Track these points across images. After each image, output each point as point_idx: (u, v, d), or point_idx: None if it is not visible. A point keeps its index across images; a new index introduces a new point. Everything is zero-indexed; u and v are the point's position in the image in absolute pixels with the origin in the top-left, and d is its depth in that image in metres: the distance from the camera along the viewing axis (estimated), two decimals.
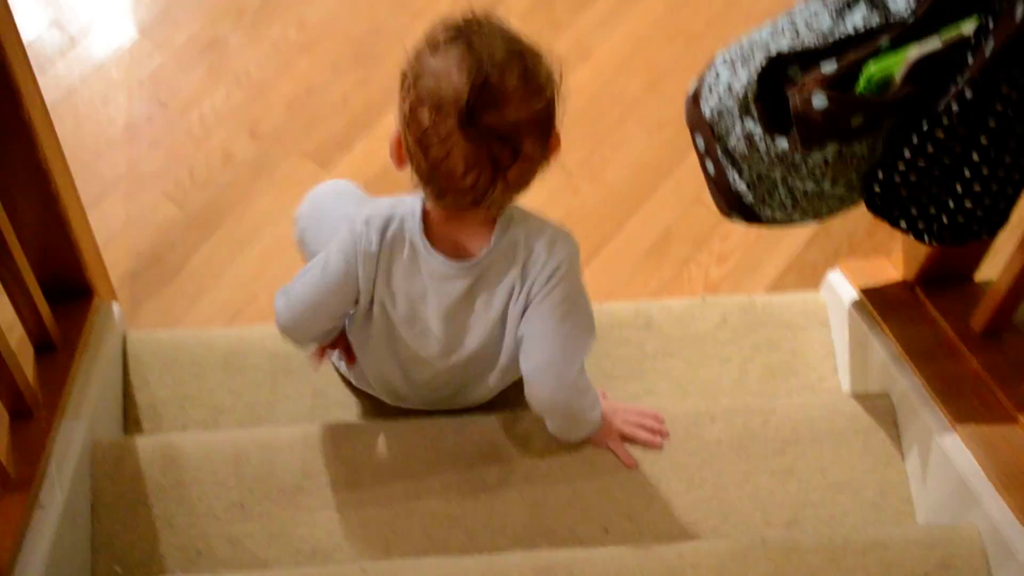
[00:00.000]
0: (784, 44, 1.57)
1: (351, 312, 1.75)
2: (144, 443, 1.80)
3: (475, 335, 1.71)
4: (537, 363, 1.66)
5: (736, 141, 1.63)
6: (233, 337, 2.05)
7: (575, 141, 2.47)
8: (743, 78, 1.59)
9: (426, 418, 1.86)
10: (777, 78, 1.56)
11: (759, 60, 1.56)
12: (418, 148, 1.48)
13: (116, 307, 2.01)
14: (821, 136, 1.51)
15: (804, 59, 1.55)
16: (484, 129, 1.45)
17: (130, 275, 2.31)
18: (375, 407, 1.95)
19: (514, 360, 1.71)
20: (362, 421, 1.90)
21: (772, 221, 1.70)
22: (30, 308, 1.75)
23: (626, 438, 1.81)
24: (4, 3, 1.54)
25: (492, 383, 1.81)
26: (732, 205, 1.72)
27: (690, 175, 2.41)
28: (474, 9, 1.51)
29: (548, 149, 1.57)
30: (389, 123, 2.47)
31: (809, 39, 1.56)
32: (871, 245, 2.36)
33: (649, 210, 2.40)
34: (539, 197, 2.37)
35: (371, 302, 1.71)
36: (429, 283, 1.66)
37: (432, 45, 1.46)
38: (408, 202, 1.64)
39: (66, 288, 1.92)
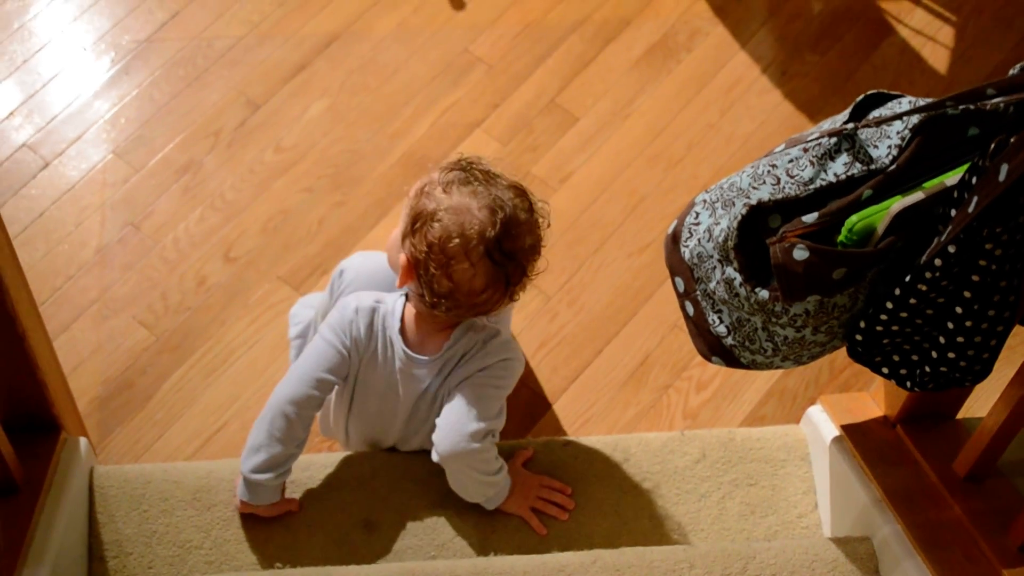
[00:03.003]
0: (765, 193, 1.55)
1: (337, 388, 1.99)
2: None
3: (432, 416, 1.97)
4: (442, 422, 1.92)
5: (716, 285, 1.61)
6: (202, 472, 2.01)
7: (553, 265, 2.45)
8: (723, 224, 1.57)
9: (409, 562, 1.84)
10: (758, 227, 1.54)
11: (739, 208, 1.54)
12: (442, 273, 1.79)
13: (83, 442, 1.97)
14: (803, 289, 1.49)
15: (785, 209, 1.53)
16: (507, 254, 1.81)
17: (99, 401, 2.27)
18: (345, 546, 1.92)
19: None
20: (334, 568, 1.86)
21: (753, 365, 1.68)
22: None
23: (537, 510, 2.01)
24: None
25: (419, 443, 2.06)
26: (712, 348, 1.69)
27: (669, 300, 2.38)
28: (463, 154, 1.88)
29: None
30: (366, 246, 2.45)
31: (790, 188, 1.54)
32: (851, 372, 2.33)
33: (628, 335, 2.38)
34: (518, 321, 2.37)
35: (355, 380, 1.97)
36: (400, 374, 1.94)
37: (443, 186, 1.81)
38: (389, 300, 1.95)
39: (31, 424, 1.88)
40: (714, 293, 1.62)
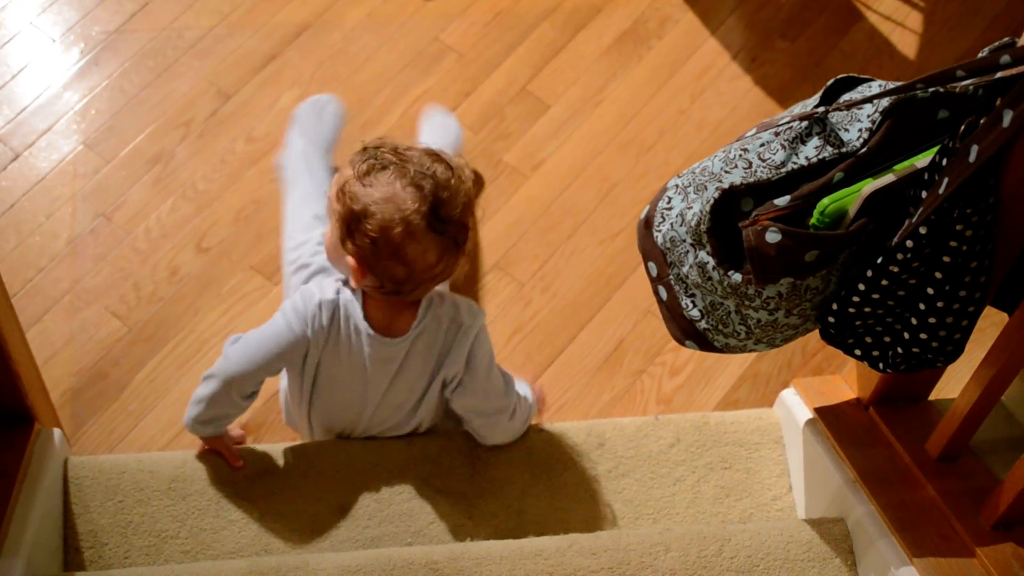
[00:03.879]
0: (737, 177, 1.56)
1: (293, 371, 1.99)
2: None
3: (407, 399, 2.01)
4: (480, 422, 2.01)
5: (689, 269, 1.61)
6: (177, 461, 2.00)
7: (526, 253, 2.45)
8: (696, 208, 1.58)
9: (386, 549, 1.84)
10: (730, 211, 1.55)
11: (712, 192, 1.55)
12: (395, 261, 1.82)
13: (57, 433, 1.96)
14: (776, 271, 1.50)
15: (757, 192, 1.54)
16: (447, 220, 1.82)
17: (72, 393, 2.26)
18: (321, 533, 1.92)
19: (436, 414, 2.07)
20: (309, 555, 1.85)
21: (726, 349, 1.68)
22: None
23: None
24: None
25: (419, 428, 2.09)
26: (685, 332, 1.70)
27: (642, 286, 2.40)
28: (364, 140, 1.89)
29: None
30: None
31: (762, 172, 1.55)
32: (824, 356, 2.35)
33: (601, 321, 2.39)
34: (491, 309, 2.37)
35: (315, 372, 1.97)
36: (370, 360, 1.95)
37: (361, 179, 1.82)
38: (347, 290, 1.94)
39: (5, 415, 1.87)
40: (687, 277, 1.63)
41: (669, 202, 1.67)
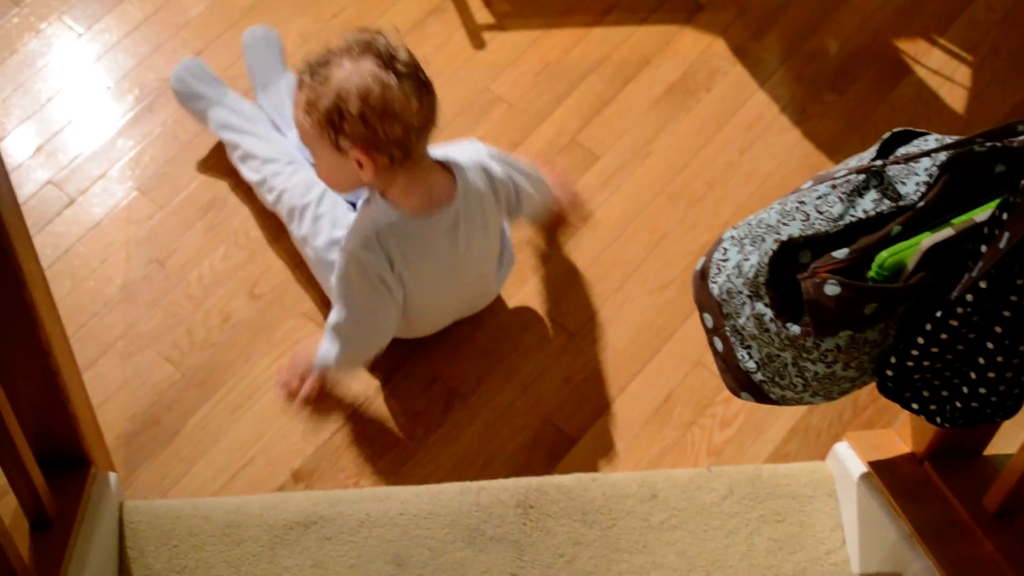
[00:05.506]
0: (795, 229, 1.56)
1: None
2: None
3: (482, 248, 2.23)
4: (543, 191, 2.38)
5: (745, 321, 1.62)
6: (231, 507, 2.02)
7: (576, 303, 2.46)
8: (753, 260, 1.58)
9: None
10: (788, 263, 1.55)
11: (769, 244, 1.56)
12: (389, 122, 1.95)
13: (113, 477, 1.98)
14: (834, 324, 1.50)
15: (815, 244, 1.55)
16: (406, 63, 1.98)
17: (126, 438, 2.28)
18: None
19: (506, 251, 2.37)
20: None
21: (783, 401, 1.68)
22: (26, 483, 1.72)
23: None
24: (12, 200, 1.53)
25: (496, 278, 2.38)
26: (741, 383, 1.70)
27: (692, 337, 2.40)
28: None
29: None
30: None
31: (820, 224, 1.55)
32: (875, 409, 2.34)
33: (652, 373, 2.39)
34: (541, 359, 2.38)
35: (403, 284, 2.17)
36: (437, 242, 2.13)
37: (319, 84, 1.97)
38: (373, 214, 2.10)
39: (62, 459, 1.89)
40: (744, 328, 1.63)
41: (725, 253, 1.67)
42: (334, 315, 2.19)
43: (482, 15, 2.86)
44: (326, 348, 2.21)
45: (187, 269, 2.49)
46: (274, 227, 2.54)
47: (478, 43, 2.84)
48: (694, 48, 2.85)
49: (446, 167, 2.14)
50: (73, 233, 2.53)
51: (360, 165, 2.01)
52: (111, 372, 2.36)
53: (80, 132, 2.68)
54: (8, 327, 1.66)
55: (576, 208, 2.53)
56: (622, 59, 2.83)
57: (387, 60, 1.97)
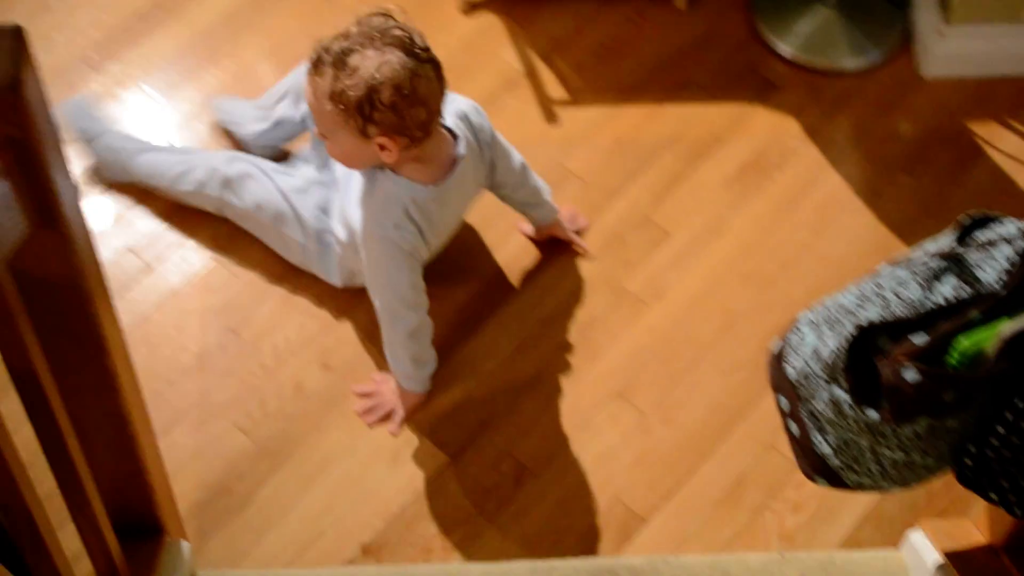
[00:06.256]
0: (873, 314, 1.56)
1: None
2: None
3: (476, 181, 2.40)
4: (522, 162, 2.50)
5: (822, 405, 1.61)
6: None
7: (648, 382, 2.46)
8: (831, 344, 1.58)
9: None
10: (867, 347, 1.55)
11: (848, 329, 1.55)
12: (416, 108, 2.05)
13: (185, 546, 1.99)
14: (913, 410, 1.49)
15: (894, 329, 1.54)
16: (425, 48, 2.08)
17: (198, 506, 2.29)
18: None
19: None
20: None
21: (858, 487, 1.67)
22: (101, 548, 1.73)
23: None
24: (96, 267, 1.55)
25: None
26: (816, 468, 1.69)
27: (764, 420, 2.39)
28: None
29: None
30: (462, 357, 2.48)
31: (899, 309, 1.55)
32: (949, 498, 2.31)
33: (723, 455, 2.38)
34: (612, 437, 2.38)
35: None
36: (453, 200, 2.31)
37: (347, 75, 2.02)
38: (395, 193, 2.19)
39: (136, 525, 1.90)
40: (820, 413, 1.62)
41: (801, 336, 1.67)
42: (386, 323, 2.32)
43: (556, 90, 2.89)
44: (397, 363, 2.36)
45: (261, 339, 2.51)
46: (347, 300, 2.56)
47: (552, 118, 2.86)
48: (767, 127, 2.86)
49: (446, 128, 2.26)
50: (150, 301, 2.57)
51: (382, 148, 2.11)
52: (184, 440, 2.38)
53: (160, 200, 2.71)
54: (89, 394, 1.68)
55: (572, 221, 2.68)
56: (695, 137, 2.84)
57: (409, 48, 2.05)
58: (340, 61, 2.04)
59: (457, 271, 2.61)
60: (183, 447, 2.37)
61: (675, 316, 2.56)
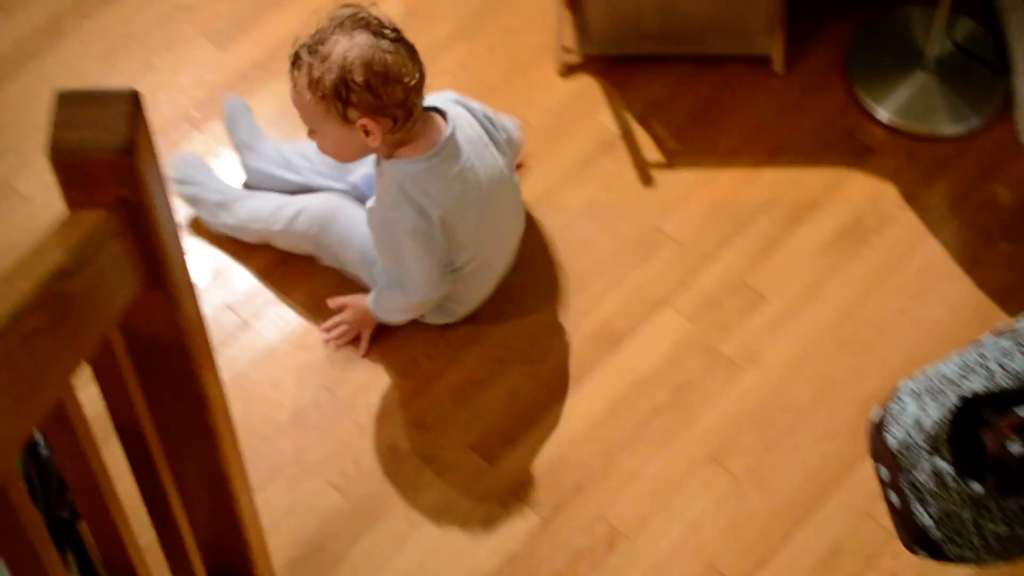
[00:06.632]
0: (978, 385, 1.54)
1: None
2: None
3: (499, 169, 2.44)
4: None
5: (924, 476, 1.59)
6: None
7: (742, 447, 2.44)
8: (933, 415, 1.56)
9: None
10: (970, 419, 1.53)
11: (952, 400, 1.54)
12: (390, 86, 2.14)
13: None
14: (1019, 483, 1.47)
15: (998, 401, 1.52)
16: (393, 28, 2.19)
17: (292, 563, 2.31)
18: None
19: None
20: None
21: (960, 560, 1.65)
22: None
23: None
24: (201, 328, 1.57)
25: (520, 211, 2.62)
26: (917, 539, 1.67)
27: (861, 487, 2.37)
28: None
29: None
30: (555, 417, 2.49)
31: (1004, 380, 1.53)
32: None
33: (818, 522, 2.35)
34: (705, 502, 2.36)
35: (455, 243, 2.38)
36: (453, 173, 2.31)
37: (319, 61, 2.14)
38: (390, 175, 2.28)
39: None
40: (922, 484, 1.61)
41: (902, 405, 1.66)
42: (383, 278, 2.45)
43: (652, 153, 2.89)
44: (381, 301, 2.47)
45: (356, 397, 2.53)
46: (443, 359, 2.57)
47: (648, 180, 2.86)
48: (864, 192, 2.84)
49: (434, 110, 2.34)
50: (247, 357, 2.60)
51: (366, 132, 2.20)
52: (279, 497, 2.39)
53: (257, 257, 2.75)
54: (189, 450, 1.70)
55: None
56: (792, 201, 2.83)
57: (377, 29, 2.16)
58: (313, 50, 2.16)
59: (550, 332, 2.62)
60: (278, 504, 2.39)
61: (770, 381, 2.55)
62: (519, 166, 2.76)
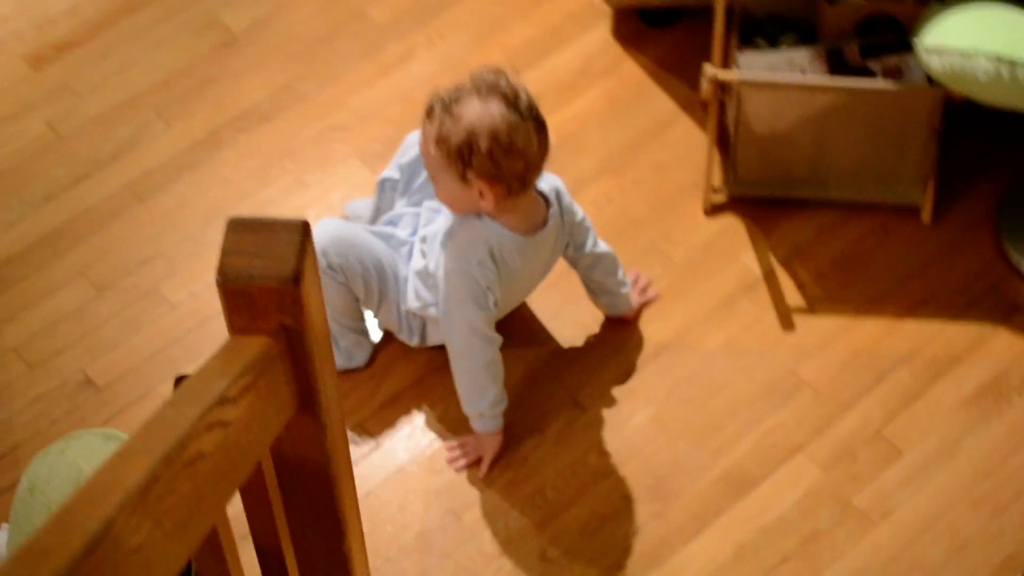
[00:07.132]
0: None
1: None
2: None
3: (547, 260, 2.54)
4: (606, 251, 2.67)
5: None
6: None
7: None
8: None
9: None
10: None
11: None
12: (513, 158, 2.23)
13: None
14: None
15: None
16: (530, 106, 2.27)
17: None
18: None
19: None
20: None
21: None
22: None
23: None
24: (346, 454, 1.60)
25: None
26: None
27: None
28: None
29: None
30: (680, 561, 2.46)
31: None
32: None
33: None
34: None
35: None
36: (531, 257, 2.44)
37: (450, 122, 2.23)
38: (484, 234, 2.36)
39: None
40: None
41: None
42: (463, 359, 2.49)
43: (793, 298, 2.88)
44: (476, 403, 2.52)
45: (482, 524, 2.53)
46: (570, 491, 2.56)
47: (788, 325, 2.85)
48: (1008, 350, 2.79)
49: (541, 194, 2.43)
50: (376, 476, 2.61)
51: (481, 195, 2.27)
52: None
53: (391, 377, 2.78)
54: (323, 570, 1.71)
55: (643, 293, 2.84)
56: (933, 354, 2.79)
57: (513, 102, 2.23)
58: (447, 107, 2.24)
59: (680, 471, 2.60)
60: None
61: (902, 536, 2.50)
62: (649, 302, 2.84)
